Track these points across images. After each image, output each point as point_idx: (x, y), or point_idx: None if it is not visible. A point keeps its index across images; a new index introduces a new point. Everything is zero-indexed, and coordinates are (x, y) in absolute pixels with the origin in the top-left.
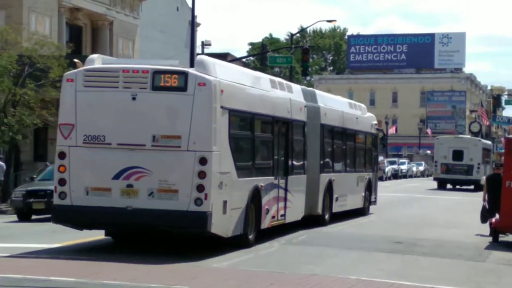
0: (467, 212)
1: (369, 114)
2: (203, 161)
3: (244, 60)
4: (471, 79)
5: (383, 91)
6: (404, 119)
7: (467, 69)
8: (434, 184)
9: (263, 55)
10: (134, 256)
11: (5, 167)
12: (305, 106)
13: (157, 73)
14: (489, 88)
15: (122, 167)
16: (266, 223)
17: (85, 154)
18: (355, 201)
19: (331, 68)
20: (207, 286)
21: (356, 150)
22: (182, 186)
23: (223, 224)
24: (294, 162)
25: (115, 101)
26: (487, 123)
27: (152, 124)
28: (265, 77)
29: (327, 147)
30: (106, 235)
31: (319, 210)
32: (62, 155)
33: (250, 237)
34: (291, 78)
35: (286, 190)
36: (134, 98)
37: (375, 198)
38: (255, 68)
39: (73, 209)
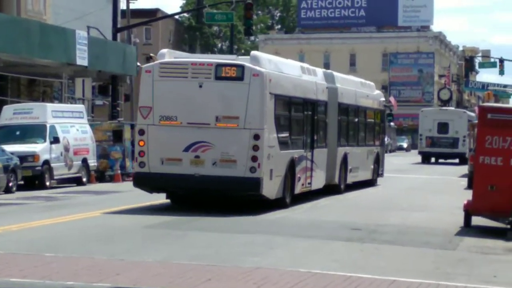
0: (437, 193)
1: (377, 92)
2: (256, 137)
3: (177, 17)
4: (440, 38)
5: (339, 53)
6: None
7: (436, 27)
8: (418, 158)
9: (199, 11)
10: (199, 212)
11: None
12: (326, 88)
13: (219, 65)
14: (460, 49)
15: (191, 141)
16: (298, 189)
17: (161, 131)
18: (365, 173)
19: (279, 26)
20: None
21: (366, 126)
22: (239, 157)
23: (270, 188)
24: (318, 137)
25: (185, 88)
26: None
27: (215, 106)
28: (297, 65)
29: (343, 124)
30: (166, 198)
31: (336, 180)
32: (141, 132)
33: (287, 200)
34: (232, 38)
35: (312, 161)
36: (200, 86)
37: (382, 170)
38: (190, 27)
39: (151, 176)
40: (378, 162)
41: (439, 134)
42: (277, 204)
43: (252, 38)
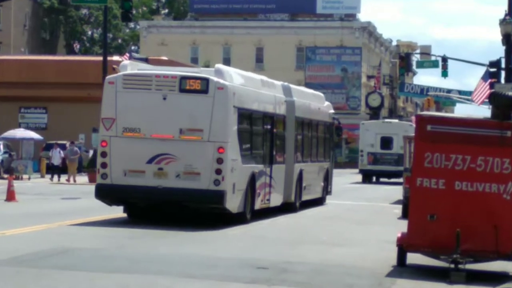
0: (363, 223)
1: (327, 103)
2: (220, 149)
3: None
4: (369, 30)
5: (242, 45)
6: None
7: (364, 16)
8: (358, 177)
9: None
10: (166, 226)
11: None
12: (285, 101)
13: (184, 78)
14: (394, 44)
15: (154, 153)
16: (257, 204)
17: (124, 142)
18: (317, 190)
19: (166, 11)
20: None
21: (318, 141)
22: (203, 170)
23: (233, 201)
24: (277, 152)
25: (149, 100)
26: (379, 90)
27: (179, 119)
28: (257, 77)
29: (299, 138)
30: (124, 211)
31: (293, 198)
32: (104, 143)
33: (248, 215)
34: (106, 25)
35: (271, 177)
36: (164, 98)
37: (331, 188)
38: (51, 9)
39: (113, 187)
40: (327, 179)
41: (382, 150)
42: (238, 218)
43: (132, 25)
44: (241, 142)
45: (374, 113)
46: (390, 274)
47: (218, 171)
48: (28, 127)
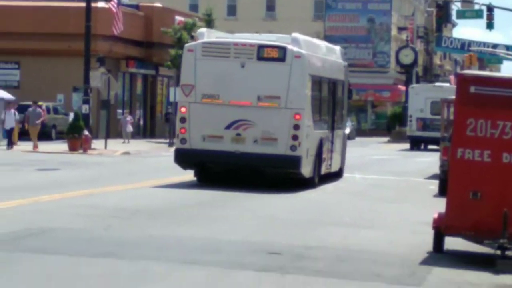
0: (394, 201)
1: (338, 51)
2: (297, 116)
3: None
4: None
5: None
6: None
7: None
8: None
9: None
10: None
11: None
12: (343, 66)
13: (262, 47)
14: None
15: (232, 119)
16: (323, 169)
17: (203, 108)
18: (341, 159)
19: None
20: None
21: (340, 104)
22: (280, 135)
23: (306, 166)
24: (337, 118)
25: (227, 67)
26: (413, 44)
27: (257, 86)
28: (322, 44)
29: (347, 104)
30: (194, 175)
31: (341, 164)
32: (183, 109)
33: (316, 180)
34: None
35: (332, 143)
36: (243, 66)
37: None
38: None
39: (192, 151)
40: (345, 148)
41: (432, 116)
42: (309, 183)
43: None
44: (313, 108)
45: (406, 71)
46: (425, 262)
47: (295, 137)
48: None
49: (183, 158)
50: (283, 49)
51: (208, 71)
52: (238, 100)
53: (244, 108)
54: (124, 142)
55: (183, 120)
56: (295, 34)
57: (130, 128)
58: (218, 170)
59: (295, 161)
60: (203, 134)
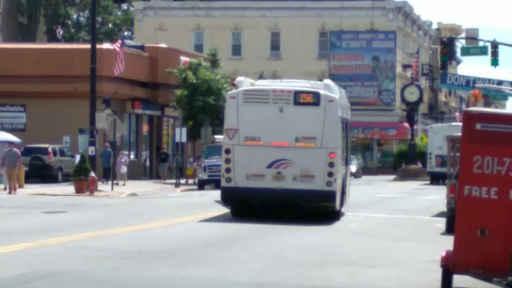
0: (401, 240)
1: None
2: (332, 155)
3: None
4: (405, 11)
5: (255, 30)
6: (292, 78)
7: None
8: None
9: None
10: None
11: None
12: (348, 107)
13: (298, 93)
14: (435, 27)
15: (273, 159)
16: (343, 202)
17: (246, 150)
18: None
19: None
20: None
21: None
22: (317, 173)
23: (338, 200)
24: (349, 155)
25: (267, 112)
26: (418, 81)
27: (295, 128)
28: (336, 87)
29: (348, 141)
30: (231, 211)
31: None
32: (228, 151)
33: (342, 211)
34: (94, 7)
35: (346, 177)
36: (281, 110)
37: (346, 197)
38: None
39: (237, 190)
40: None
41: None
42: (336, 215)
43: (125, 6)
44: (341, 147)
45: (411, 109)
46: None
47: (330, 174)
48: (3, 128)
49: (229, 195)
50: (317, 95)
51: (250, 116)
52: (278, 141)
53: (284, 149)
54: (118, 184)
55: (228, 161)
56: (327, 81)
57: (124, 169)
58: (257, 205)
59: (331, 196)
60: (246, 173)
